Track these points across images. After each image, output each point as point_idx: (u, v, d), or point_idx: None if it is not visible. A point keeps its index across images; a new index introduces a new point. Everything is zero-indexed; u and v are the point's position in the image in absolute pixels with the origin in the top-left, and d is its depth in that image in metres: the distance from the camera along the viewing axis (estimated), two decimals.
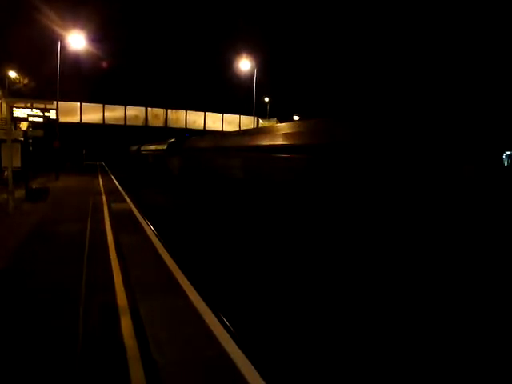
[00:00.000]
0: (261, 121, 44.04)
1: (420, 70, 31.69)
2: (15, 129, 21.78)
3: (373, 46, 39.86)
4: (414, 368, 4.94)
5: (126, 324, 4.72)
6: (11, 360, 3.99)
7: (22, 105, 21.75)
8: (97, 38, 36.33)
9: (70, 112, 36.71)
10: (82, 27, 31.25)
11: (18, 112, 20.81)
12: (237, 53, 37.85)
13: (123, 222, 11.42)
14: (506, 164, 7.28)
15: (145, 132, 45.43)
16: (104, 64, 44.48)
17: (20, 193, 14.67)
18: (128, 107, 40.57)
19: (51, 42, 27.93)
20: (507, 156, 7.28)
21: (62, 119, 31.77)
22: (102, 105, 39.23)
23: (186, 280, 6.39)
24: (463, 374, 4.82)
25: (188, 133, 43.24)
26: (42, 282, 6.17)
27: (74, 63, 34.99)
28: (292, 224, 12.48)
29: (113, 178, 30.89)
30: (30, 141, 18.86)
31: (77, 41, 27.25)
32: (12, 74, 32.95)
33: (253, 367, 3.92)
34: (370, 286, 7.66)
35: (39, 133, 18.71)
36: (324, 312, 6.52)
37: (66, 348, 4.17)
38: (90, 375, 3.72)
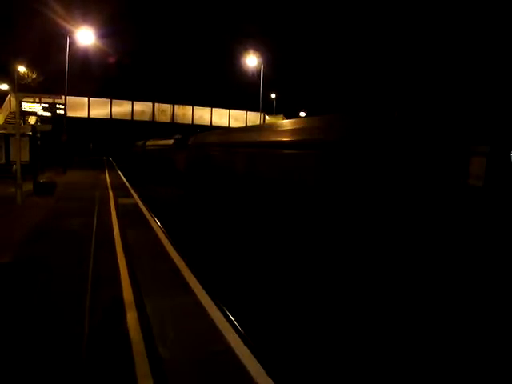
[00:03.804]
0: (267, 117, 43.94)
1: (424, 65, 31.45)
2: (24, 123, 22.00)
3: (379, 41, 39.56)
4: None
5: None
6: (17, 355, 4.06)
7: (31, 99, 21.95)
8: (105, 33, 36.36)
9: (78, 107, 36.84)
10: (91, 23, 31.44)
11: (27, 106, 21.00)
12: (244, 49, 37.79)
13: (129, 216, 11.49)
14: None
15: (151, 127, 45.47)
16: (112, 59, 44.65)
17: (28, 186, 14.81)
18: (135, 102, 40.61)
19: (60, 37, 28.06)
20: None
21: (70, 114, 31.91)
22: (109, 100, 39.31)
23: (193, 278, 6.44)
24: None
25: (194, 128, 43.30)
26: (50, 273, 6.26)
27: (82, 58, 35.13)
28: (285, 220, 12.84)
29: (119, 172, 31.05)
30: (39, 135, 19.00)
31: (85, 36, 27.32)
32: (21, 68, 33.18)
33: (258, 362, 3.95)
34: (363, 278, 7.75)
35: (47, 127, 18.83)
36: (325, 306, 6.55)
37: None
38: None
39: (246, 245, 10.56)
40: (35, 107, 22.49)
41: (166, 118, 42.05)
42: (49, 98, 22.30)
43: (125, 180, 23.96)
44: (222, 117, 43.73)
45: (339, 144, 8.28)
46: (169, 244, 8.49)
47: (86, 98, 37.70)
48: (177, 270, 6.69)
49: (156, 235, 9.31)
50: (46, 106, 22.24)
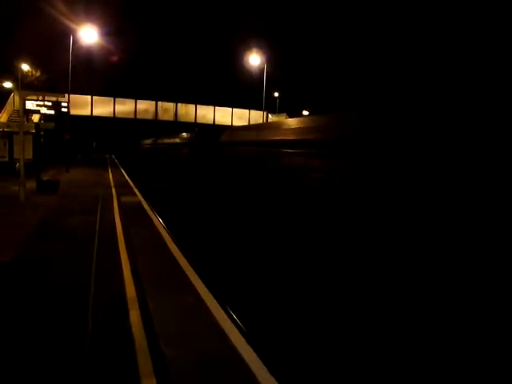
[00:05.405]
0: (270, 115, 43.92)
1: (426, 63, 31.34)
2: (27, 121, 22.04)
3: (382, 40, 39.42)
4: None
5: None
6: (22, 351, 4.06)
7: (35, 97, 22.00)
8: (109, 32, 36.46)
9: (81, 105, 36.92)
10: (95, 21, 31.48)
11: (30, 104, 21.04)
12: (247, 47, 37.79)
13: (132, 214, 11.49)
14: None
15: (155, 126, 45.52)
16: (115, 58, 44.73)
17: (31, 184, 14.83)
18: (138, 101, 40.63)
19: (64, 35, 28.11)
20: None
21: (73, 112, 31.98)
22: (112, 98, 39.36)
23: (196, 277, 6.43)
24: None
25: (197, 127, 43.34)
26: (53, 271, 6.26)
27: (85, 57, 35.21)
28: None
29: (122, 170, 31.08)
30: (42, 133, 19.02)
31: (89, 35, 27.37)
32: (25, 67, 33.26)
33: (260, 361, 3.92)
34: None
35: (51, 125, 18.90)
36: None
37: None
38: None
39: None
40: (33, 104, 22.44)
41: (169, 117, 42.05)
42: (52, 96, 22.35)
43: (128, 178, 23.98)
44: (224, 115, 43.73)
45: None
46: (171, 242, 8.47)
47: (90, 97, 37.78)
48: (181, 270, 6.67)
49: (159, 233, 9.29)
50: (50, 104, 22.25)
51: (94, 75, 41.15)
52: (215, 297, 5.42)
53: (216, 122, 43.01)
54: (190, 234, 11.54)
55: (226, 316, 4.87)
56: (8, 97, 29.50)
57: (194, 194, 23.07)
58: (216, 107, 43.53)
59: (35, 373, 3.68)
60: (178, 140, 39.75)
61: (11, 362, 3.83)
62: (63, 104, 23.44)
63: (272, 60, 40.53)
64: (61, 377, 3.62)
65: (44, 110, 21.93)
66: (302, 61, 57.53)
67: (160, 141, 51.14)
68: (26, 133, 14.62)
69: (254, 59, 36.03)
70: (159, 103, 41.46)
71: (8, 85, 32.34)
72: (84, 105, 37.42)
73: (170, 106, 41.93)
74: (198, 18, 68.56)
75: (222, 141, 27.57)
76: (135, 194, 16.28)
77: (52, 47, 32.33)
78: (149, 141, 61.21)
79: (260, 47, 37.27)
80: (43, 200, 13.38)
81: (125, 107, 39.96)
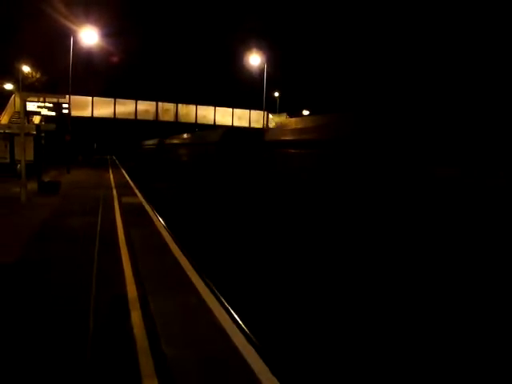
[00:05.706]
0: (270, 116, 43.90)
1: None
2: (28, 122, 22.07)
3: (382, 40, 39.40)
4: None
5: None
6: (25, 351, 4.07)
7: (35, 99, 22.02)
8: (109, 33, 36.50)
9: (82, 106, 36.90)
10: (95, 22, 31.56)
11: (31, 106, 21.06)
12: (247, 47, 37.85)
13: (133, 215, 11.49)
14: None
15: (155, 126, 45.53)
16: (116, 59, 44.80)
17: (32, 186, 14.84)
18: (139, 101, 40.62)
19: (64, 37, 28.14)
20: None
21: (74, 113, 31.95)
22: (113, 99, 39.36)
23: (197, 276, 6.43)
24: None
25: (198, 127, 43.39)
26: (55, 273, 6.26)
27: (86, 58, 35.26)
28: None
29: (123, 171, 31.10)
30: (43, 134, 19.05)
31: (89, 36, 27.42)
32: (25, 68, 33.32)
33: (262, 361, 3.92)
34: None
35: (51, 127, 18.94)
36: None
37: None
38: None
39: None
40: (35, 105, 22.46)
41: (170, 118, 42.03)
42: (53, 97, 22.38)
43: (129, 179, 24.00)
44: (225, 116, 43.71)
45: None
46: (173, 242, 8.47)
47: (90, 98, 37.78)
48: (182, 271, 6.68)
49: (160, 234, 9.29)
50: (51, 105, 22.28)
51: (94, 76, 41.24)
52: (217, 297, 5.43)
53: (216, 123, 43.02)
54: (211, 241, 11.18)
55: (227, 316, 4.87)
56: (9, 98, 29.54)
57: (216, 197, 20.76)
58: (216, 107, 43.53)
59: (37, 372, 3.68)
60: (192, 140, 36.72)
61: (13, 361, 3.84)
62: (64, 105, 23.45)
63: (272, 60, 40.62)
64: (62, 377, 3.62)
65: (45, 112, 21.94)
66: (302, 60, 57.56)
67: (168, 141, 50.22)
68: (27, 134, 14.67)
69: (254, 59, 36.07)
70: (160, 104, 41.44)
71: (9, 86, 32.38)
72: (85, 106, 37.42)
73: (171, 106, 41.91)
74: (198, 19, 68.68)
75: (270, 140, 21.08)
76: (136, 195, 16.29)
77: (53, 49, 32.37)
78: (151, 141, 60.81)
79: (260, 47, 37.34)
80: (44, 201, 13.39)
81: (125, 108, 39.96)
